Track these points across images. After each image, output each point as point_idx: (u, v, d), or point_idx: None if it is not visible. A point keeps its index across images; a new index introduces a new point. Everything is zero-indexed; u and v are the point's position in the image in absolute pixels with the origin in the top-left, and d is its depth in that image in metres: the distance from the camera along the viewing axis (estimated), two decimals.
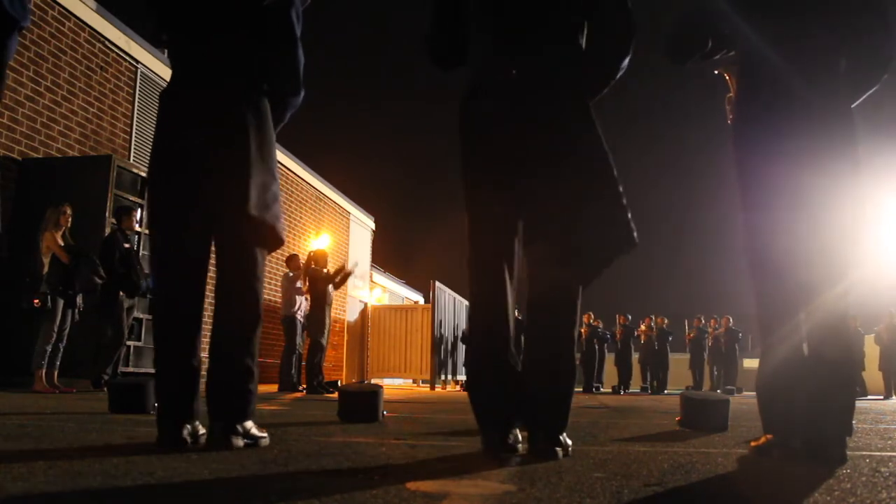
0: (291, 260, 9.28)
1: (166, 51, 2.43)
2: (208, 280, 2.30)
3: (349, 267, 9.56)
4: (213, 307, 2.26)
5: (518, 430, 2.13)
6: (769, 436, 2.30)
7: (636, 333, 15.23)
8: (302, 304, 8.96)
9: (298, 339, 8.87)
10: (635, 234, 2.15)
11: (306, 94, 2.41)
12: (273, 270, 12.34)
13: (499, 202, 2.20)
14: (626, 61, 2.27)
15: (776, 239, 2.30)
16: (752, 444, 2.38)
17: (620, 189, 2.16)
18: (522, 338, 2.26)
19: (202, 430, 2.19)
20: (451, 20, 2.38)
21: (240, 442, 2.09)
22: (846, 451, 2.15)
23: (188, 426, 2.13)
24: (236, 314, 2.19)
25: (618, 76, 2.29)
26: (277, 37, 2.28)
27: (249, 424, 2.14)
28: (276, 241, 2.30)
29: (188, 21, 2.26)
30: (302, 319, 8.92)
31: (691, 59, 2.58)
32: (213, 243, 2.28)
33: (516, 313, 2.36)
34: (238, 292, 2.21)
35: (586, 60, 2.26)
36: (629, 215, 2.15)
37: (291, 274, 9.03)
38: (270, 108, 2.32)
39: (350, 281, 16.19)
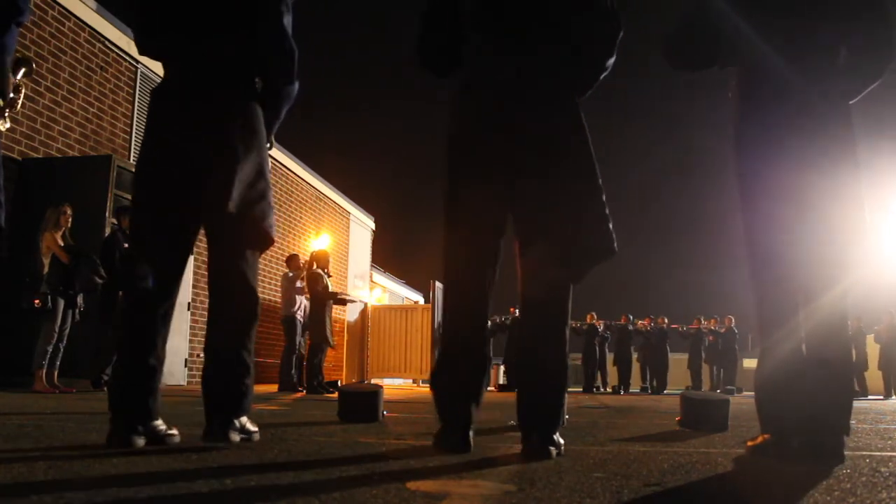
0: (291, 260, 9.28)
1: (145, 54, 2.42)
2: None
3: (348, 296, 9.59)
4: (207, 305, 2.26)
5: (472, 410, 2.19)
6: (766, 435, 2.30)
7: (634, 327, 15.20)
8: (302, 303, 8.96)
9: (299, 340, 8.87)
10: (615, 244, 2.20)
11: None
12: (273, 270, 12.33)
13: (489, 200, 2.22)
14: (611, 61, 2.30)
15: (776, 239, 2.30)
16: (749, 443, 2.38)
17: (603, 198, 2.20)
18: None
19: (165, 428, 2.16)
20: (449, 19, 2.37)
21: (236, 437, 2.09)
22: (844, 451, 2.15)
23: (141, 426, 2.09)
24: (232, 310, 2.19)
25: (603, 76, 2.33)
26: (267, 29, 2.27)
27: (245, 419, 2.15)
28: (263, 240, 2.27)
29: (177, 19, 2.26)
30: (301, 319, 8.91)
31: (690, 61, 2.58)
32: (195, 241, 2.29)
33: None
34: (233, 288, 2.20)
35: (574, 59, 2.27)
36: (610, 225, 2.19)
37: (291, 274, 9.03)
38: (266, 104, 2.32)
39: (350, 281, 16.23)
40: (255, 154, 2.23)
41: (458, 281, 2.27)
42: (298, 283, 8.96)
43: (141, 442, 2.07)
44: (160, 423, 2.16)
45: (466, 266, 2.25)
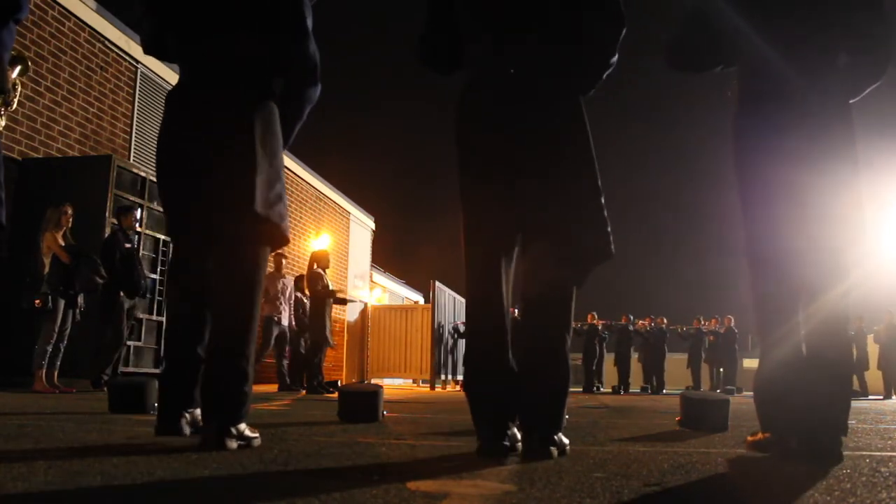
0: (273, 258, 9.28)
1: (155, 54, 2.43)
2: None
3: (348, 296, 9.57)
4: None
5: (515, 430, 2.13)
6: (766, 434, 2.30)
7: (634, 327, 15.21)
8: (284, 306, 8.92)
9: (299, 342, 8.88)
10: (612, 246, 2.19)
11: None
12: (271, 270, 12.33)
13: (497, 203, 2.20)
14: (614, 59, 2.29)
15: (775, 239, 2.30)
16: (749, 438, 2.38)
17: (602, 200, 2.19)
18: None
19: (200, 417, 2.22)
20: (447, 19, 2.37)
21: (233, 444, 2.08)
22: (842, 450, 2.15)
23: (188, 415, 2.14)
24: (233, 315, 2.19)
25: (606, 74, 2.32)
26: (290, 31, 2.27)
27: (243, 426, 2.14)
28: (280, 240, 2.31)
29: (193, 20, 2.26)
30: (281, 322, 8.87)
31: (693, 63, 2.59)
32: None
33: (515, 312, 2.37)
34: (235, 294, 2.20)
35: (576, 58, 2.26)
36: (608, 228, 2.18)
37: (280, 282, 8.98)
38: (286, 105, 2.32)
39: (350, 281, 16.23)
40: (272, 154, 2.25)
41: (480, 297, 2.22)
42: (284, 290, 8.91)
43: (188, 430, 2.13)
44: (198, 412, 2.20)
45: (488, 279, 2.20)
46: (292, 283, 9.33)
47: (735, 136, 2.41)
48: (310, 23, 2.30)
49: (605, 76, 2.32)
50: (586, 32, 2.26)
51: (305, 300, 9.22)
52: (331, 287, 9.01)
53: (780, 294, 2.32)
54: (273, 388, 9.01)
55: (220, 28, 2.24)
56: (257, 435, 2.20)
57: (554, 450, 2.06)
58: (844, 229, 2.24)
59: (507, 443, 2.07)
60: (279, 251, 9.65)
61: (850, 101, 2.36)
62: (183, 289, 2.29)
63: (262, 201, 2.18)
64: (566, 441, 2.17)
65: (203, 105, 2.21)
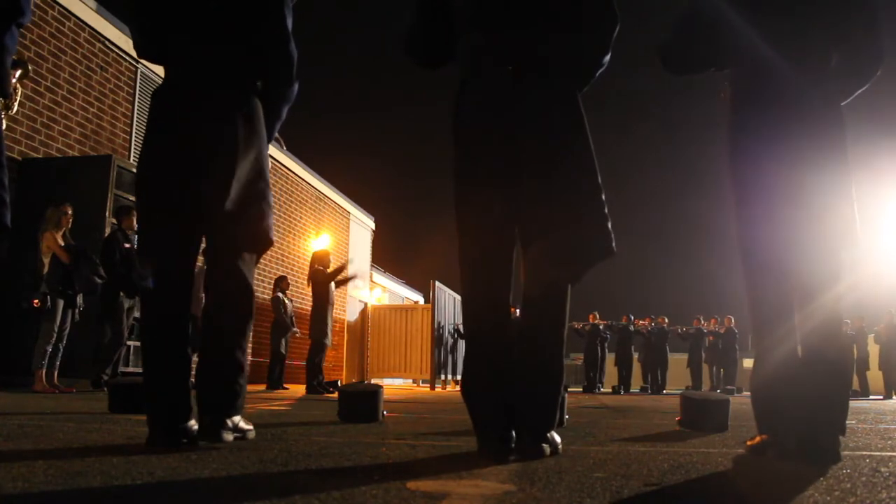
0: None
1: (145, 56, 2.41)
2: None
3: (349, 272, 9.45)
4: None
5: (514, 431, 2.13)
6: (764, 436, 2.30)
7: (634, 327, 15.22)
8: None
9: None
10: (614, 244, 2.17)
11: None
12: (273, 270, 12.32)
13: (495, 203, 2.19)
14: (607, 57, 2.30)
15: (770, 240, 2.30)
16: (748, 443, 2.38)
17: (603, 197, 2.18)
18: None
19: (195, 429, 2.17)
20: (439, 13, 2.36)
21: (229, 436, 2.09)
22: (840, 451, 2.15)
23: (182, 425, 2.11)
24: (227, 309, 2.19)
25: (599, 72, 2.32)
26: (270, 31, 2.28)
27: (238, 418, 2.15)
28: (262, 241, 2.26)
29: (177, 21, 2.26)
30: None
31: (688, 64, 2.59)
32: (202, 239, 2.28)
33: (517, 312, 2.36)
34: (230, 287, 2.20)
35: (570, 56, 2.26)
36: (609, 225, 2.17)
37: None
38: (266, 104, 2.32)
39: (350, 281, 16.20)
40: (254, 153, 2.23)
41: (477, 298, 2.21)
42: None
43: (184, 440, 2.08)
44: (193, 423, 2.15)
45: (484, 281, 2.19)
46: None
47: (729, 137, 2.41)
48: (290, 23, 2.30)
49: (597, 74, 2.33)
50: (581, 30, 2.25)
51: (287, 301, 9.20)
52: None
53: (775, 295, 2.31)
54: (262, 387, 9.01)
55: (203, 29, 2.24)
56: (251, 427, 2.21)
57: (546, 447, 2.06)
58: (838, 230, 2.24)
59: (507, 444, 2.07)
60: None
61: (842, 104, 2.37)
62: (168, 291, 2.22)
63: (235, 200, 2.15)
64: (559, 440, 2.17)
65: (188, 103, 2.20)
